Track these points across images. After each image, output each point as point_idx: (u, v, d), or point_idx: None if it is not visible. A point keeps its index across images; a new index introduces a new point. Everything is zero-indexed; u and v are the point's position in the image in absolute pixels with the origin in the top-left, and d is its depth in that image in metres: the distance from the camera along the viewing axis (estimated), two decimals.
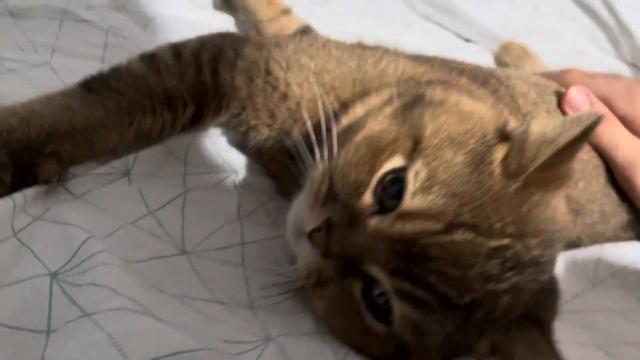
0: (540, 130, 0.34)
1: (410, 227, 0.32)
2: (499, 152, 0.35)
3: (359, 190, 0.36)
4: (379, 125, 0.38)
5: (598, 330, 0.49)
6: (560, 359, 0.35)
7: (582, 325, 0.49)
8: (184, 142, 0.51)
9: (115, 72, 0.49)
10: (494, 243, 0.32)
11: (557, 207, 0.36)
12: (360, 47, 0.53)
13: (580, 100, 0.57)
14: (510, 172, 0.34)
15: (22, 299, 0.35)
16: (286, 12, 0.83)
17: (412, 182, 0.34)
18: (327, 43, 0.51)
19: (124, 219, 0.44)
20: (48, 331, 0.34)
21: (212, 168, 0.51)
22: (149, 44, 0.57)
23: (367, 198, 0.36)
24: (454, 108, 0.38)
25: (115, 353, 0.31)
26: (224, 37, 0.53)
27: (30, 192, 0.41)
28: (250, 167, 0.53)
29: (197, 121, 0.51)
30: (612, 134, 0.57)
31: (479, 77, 0.52)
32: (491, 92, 0.49)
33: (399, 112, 0.39)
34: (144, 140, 0.50)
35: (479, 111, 0.38)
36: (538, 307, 0.37)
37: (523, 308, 0.36)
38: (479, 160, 0.34)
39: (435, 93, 0.41)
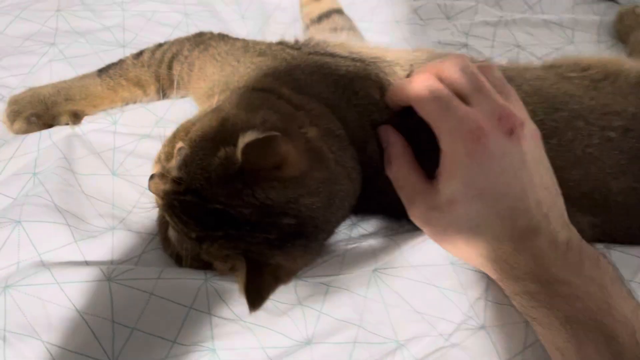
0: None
1: (169, 186, 0.48)
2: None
3: (168, 157, 0.52)
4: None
5: None
6: None
7: None
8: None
9: (117, 64, 0.67)
10: (209, 205, 0.46)
11: (273, 187, 0.47)
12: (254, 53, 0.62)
13: (381, 140, 0.55)
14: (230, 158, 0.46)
15: None
16: None
17: (177, 158, 0.50)
18: (230, 50, 0.63)
19: None
20: None
21: None
22: None
23: (172, 163, 0.51)
24: (220, 114, 0.51)
25: None
26: (189, 39, 0.67)
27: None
28: None
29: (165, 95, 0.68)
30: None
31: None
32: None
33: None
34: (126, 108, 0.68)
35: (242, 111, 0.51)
36: None
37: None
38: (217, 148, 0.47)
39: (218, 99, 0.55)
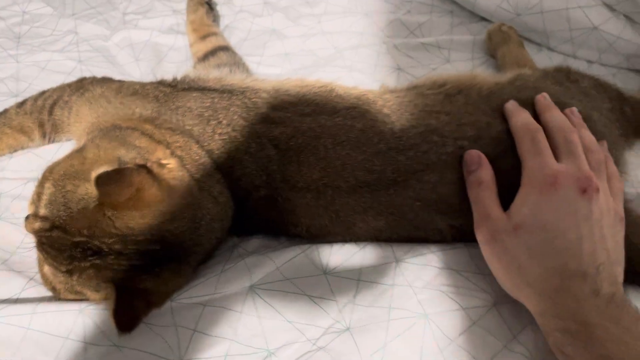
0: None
1: (38, 224, 0.51)
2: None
3: (39, 197, 0.54)
4: None
5: None
6: None
7: None
8: None
9: (1, 113, 0.71)
10: (74, 239, 0.50)
11: (133, 217, 0.51)
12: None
13: (470, 162, 0.59)
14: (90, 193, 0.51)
15: None
16: (205, 37, 0.88)
17: (44, 198, 0.52)
18: (104, 92, 0.66)
19: None
20: None
21: None
22: None
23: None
24: (81, 153, 0.55)
25: None
26: (70, 84, 0.71)
27: None
28: None
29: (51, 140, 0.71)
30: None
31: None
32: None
33: None
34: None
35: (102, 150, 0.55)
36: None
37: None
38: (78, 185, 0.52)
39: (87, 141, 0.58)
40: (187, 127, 0.59)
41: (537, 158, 0.56)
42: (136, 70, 0.85)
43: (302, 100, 0.63)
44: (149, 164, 0.52)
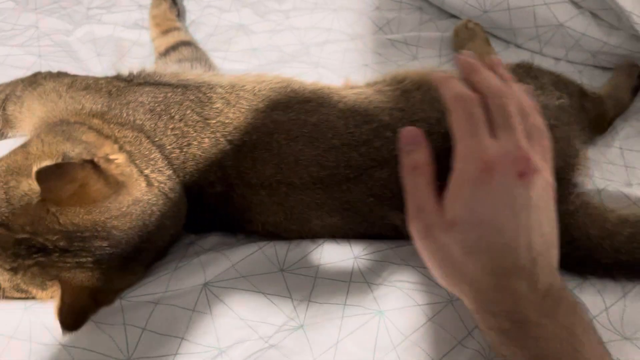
0: None
1: None
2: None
3: None
4: None
5: None
6: None
7: None
8: None
9: None
10: (17, 235, 0.48)
11: (77, 213, 0.50)
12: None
13: (406, 141, 0.55)
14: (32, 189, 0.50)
15: None
16: (168, 31, 0.87)
17: None
18: (56, 87, 0.64)
19: None
20: None
21: None
22: None
23: None
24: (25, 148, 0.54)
25: None
26: (23, 79, 0.69)
27: None
28: None
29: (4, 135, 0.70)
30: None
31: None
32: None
33: None
34: None
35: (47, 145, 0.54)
36: None
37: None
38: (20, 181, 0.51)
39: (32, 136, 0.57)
40: (138, 122, 0.58)
41: (472, 139, 0.51)
42: (98, 65, 0.84)
43: (256, 95, 0.62)
44: (95, 159, 0.51)
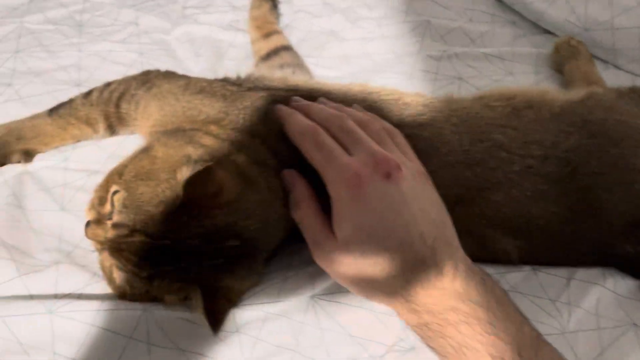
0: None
1: (112, 232, 0.50)
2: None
3: (102, 201, 0.53)
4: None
5: None
6: None
7: None
8: None
9: (67, 103, 0.70)
10: (157, 242, 0.49)
11: (214, 215, 0.50)
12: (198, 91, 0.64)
13: (286, 183, 0.56)
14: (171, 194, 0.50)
15: None
16: (269, 35, 0.87)
17: (116, 203, 0.51)
18: (171, 89, 0.65)
19: None
20: None
21: None
22: None
23: (107, 207, 0.52)
24: (150, 153, 0.54)
25: None
26: (135, 77, 0.70)
27: None
28: None
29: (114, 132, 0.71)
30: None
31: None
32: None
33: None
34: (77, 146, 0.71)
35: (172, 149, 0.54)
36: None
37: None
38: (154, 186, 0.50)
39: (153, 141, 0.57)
40: (254, 128, 0.58)
41: (330, 164, 0.52)
42: (196, 66, 0.85)
43: (368, 107, 0.62)
44: (224, 159, 0.51)
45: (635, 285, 0.60)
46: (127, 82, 0.68)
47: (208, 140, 0.55)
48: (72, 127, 0.67)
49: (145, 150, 0.54)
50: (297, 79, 0.67)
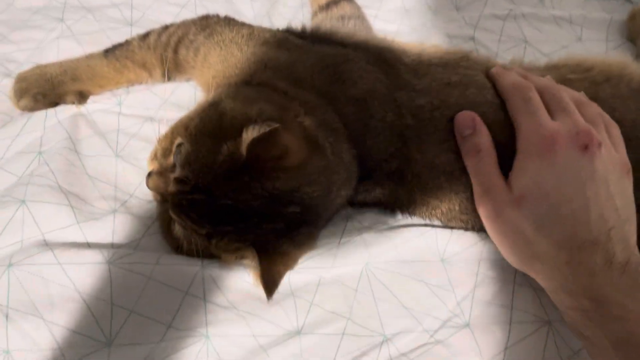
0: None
1: (174, 187, 0.49)
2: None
3: (166, 153, 0.52)
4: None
5: None
6: None
7: None
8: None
9: (123, 44, 0.68)
10: (219, 201, 0.48)
11: (277, 177, 0.48)
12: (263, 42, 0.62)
13: (463, 125, 0.55)
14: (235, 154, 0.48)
15: None
16: None
17: (178, 157, 0.50)
18: (234, 38, 0.63)
19: None
20: None
21: None
22: None
23: (170, 159, 0.52)
24: (218, 108, 0.51)
25: None
26: (195, 22, 0.67)
27: None
28: None
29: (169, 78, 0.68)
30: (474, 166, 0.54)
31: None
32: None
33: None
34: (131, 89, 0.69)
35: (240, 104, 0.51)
36: None
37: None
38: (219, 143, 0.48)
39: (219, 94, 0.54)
40: (322, 87, 0.55)
41: (531, 118, 0.52)
42: (250, 10, 0.81)
43: (447, 68, 0.58)
44: (292, 121, 0.49)
45: None
46: (186, 26, 0.65)
47: (275, 97, 0.53)
48: (127, 71, 0.65)
49: (213, 105, 0.52)
50: (365, 35, 0.64)
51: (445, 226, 0.59)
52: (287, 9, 0.83)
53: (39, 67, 0.65)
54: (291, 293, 0.53)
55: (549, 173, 0.49)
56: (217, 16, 0.67)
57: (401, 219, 0.61)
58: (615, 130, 0.55)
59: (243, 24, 0.65)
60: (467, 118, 0.55)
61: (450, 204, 0.57)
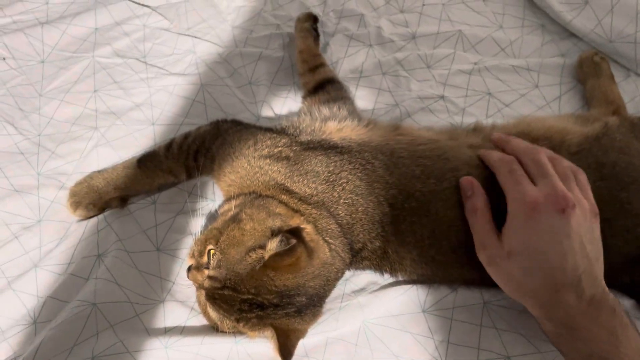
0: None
1: (208, 283, 0.65)
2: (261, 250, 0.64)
3: (201, 254, 0.68)
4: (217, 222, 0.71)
5: None
6: None
7: None
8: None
9: (151, 154, 0.83)
10: (243, 296, 0.63)
11: (288, 278, 0.64)
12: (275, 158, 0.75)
13: (465, 188, 0.68)
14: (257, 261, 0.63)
15: None
16: (315, 69, 0.94)
17: (212, 260, 0.66)
18: (242, 150, 0.77)
19: None
20: None
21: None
22: None
23: (205, 259, 0.67)
24: (240, 225, 0.67)
25: None
26: (208, 131, 0.81)
27: None
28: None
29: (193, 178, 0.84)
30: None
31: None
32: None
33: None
34: (162, 189, 0.84)
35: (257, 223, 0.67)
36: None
37: None
38: (247, 252, 0.64)
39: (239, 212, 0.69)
40: (318, 196, 0.70)
41: (516, 187, 0.65)
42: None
43: (415, 164, 0.72)
44: (299, 231, 0.64)
45: (631, 304, 0.73)
46: (201, 136, 0.80)
47: (281, 209, 0.68)
48: (158, 178, 0.80)
49: (235, 221, 0.67)
50: (348, 134, 0.78)
51: (423, 282, 0.74)
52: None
53: (86, 181, 0.81)
54: (305, 354, 0.68)
55: (533, 233, 0.62)
56: (226, 122, 0.82)
57: (389, 278, 0.77)
58: (583, 177, 0.68)
59: (249, 132, 0.79)
60: (468, 183, 0.69)
61: (424, 270, 0.72)
